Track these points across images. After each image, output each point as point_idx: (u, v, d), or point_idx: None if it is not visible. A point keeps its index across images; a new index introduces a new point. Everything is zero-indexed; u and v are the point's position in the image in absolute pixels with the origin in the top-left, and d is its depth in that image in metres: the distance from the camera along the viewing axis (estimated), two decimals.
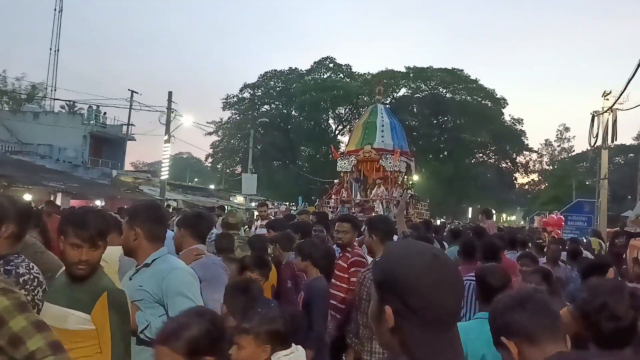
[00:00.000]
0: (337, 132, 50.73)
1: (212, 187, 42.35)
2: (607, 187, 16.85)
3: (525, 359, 1.48)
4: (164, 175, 22.98)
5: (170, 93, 22.88)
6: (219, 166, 52.73)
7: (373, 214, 16.27)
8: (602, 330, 1.78)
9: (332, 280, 3.93)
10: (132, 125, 30.42)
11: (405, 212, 19.13)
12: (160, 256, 2.45)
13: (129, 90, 27.62)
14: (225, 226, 6.15)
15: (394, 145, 20.94)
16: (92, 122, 29.37)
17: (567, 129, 54.07)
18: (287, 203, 36.64)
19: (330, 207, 20.56)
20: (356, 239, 4.84)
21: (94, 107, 29.39)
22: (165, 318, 2.25)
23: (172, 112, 22.80)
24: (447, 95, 47.31)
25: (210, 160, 53.33)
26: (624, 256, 8.40)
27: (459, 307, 1.10)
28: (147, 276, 2.38)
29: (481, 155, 50.94)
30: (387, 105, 31.84)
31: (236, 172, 48.33)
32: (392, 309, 1.03)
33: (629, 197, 36.56)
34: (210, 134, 48.35)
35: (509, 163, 51.06)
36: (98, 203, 19.45)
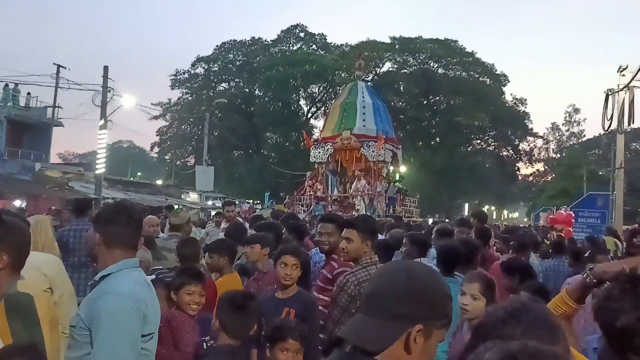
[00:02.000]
0: (309, 115, 50.83)
1: (159, 182, 41.94)
2: (623, 178, 17.41)
3: None
4: (100, 168, 22.58)
5: (106, 68, 22.52)
6: (167, 157, 52.14)
7: (354, 213, 16.46)
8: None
9: (314, 292, 3.93)
10: (59, 107, 29.84)
11: (392, 209, 19.39)
12: (114, 271, 2.25)
13: (54, 64, 26.96)
14: (170, 228, 6.15)
15: (377, 130, 21.14)
16: (9, 104, 28.68)
17: (576, 111, 55.62)
18: (251, 201, 36.60)
19: (302, 205, 20.63)
20: None
21: (12, 86, 28.70)
22: None
23: (109, 91, 22.45)
24: (439, 70, 47.96)
25: (156, 150, 52.68)
26: None
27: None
28: (87, 297, 2.28)
29: (479, 141, 51.91)
30: (369, 83, 32.01)
31: (188, 164, 47.89)
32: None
33: None
34: (156, 118, 47.67)
35: (510, 151, 52.25)
36: (18, 203, 18.92)
